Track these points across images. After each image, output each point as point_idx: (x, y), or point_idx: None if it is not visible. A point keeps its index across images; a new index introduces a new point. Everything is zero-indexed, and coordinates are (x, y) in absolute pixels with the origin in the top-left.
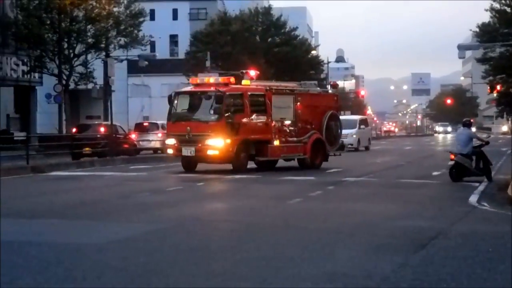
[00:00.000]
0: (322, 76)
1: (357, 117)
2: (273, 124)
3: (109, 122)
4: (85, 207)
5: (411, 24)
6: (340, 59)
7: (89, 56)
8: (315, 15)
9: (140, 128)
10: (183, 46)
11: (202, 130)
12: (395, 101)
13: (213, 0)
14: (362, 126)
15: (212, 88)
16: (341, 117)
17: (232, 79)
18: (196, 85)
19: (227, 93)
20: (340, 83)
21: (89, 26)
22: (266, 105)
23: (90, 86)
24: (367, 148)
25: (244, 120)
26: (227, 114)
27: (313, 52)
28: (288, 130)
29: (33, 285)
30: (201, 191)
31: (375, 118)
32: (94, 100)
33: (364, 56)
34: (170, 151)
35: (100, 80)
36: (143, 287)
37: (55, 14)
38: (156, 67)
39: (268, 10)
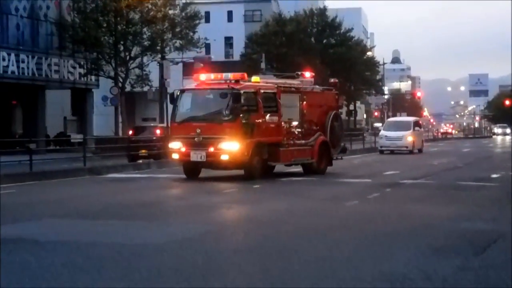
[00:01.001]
0: (378, 77)
1: (411, 119)
2: (283, 125)
3: (164, 124)
4: (143, 208)
5: (468, 24)
6: (396, 60)
7: (145, 59)
8: (370, 15)
9: None
10: (238, 48)
11: (215, 132)
12: (452, 102)
13: (268, 1)
14: (416, 128)
15: (225, 86)
16: (396, 119)
17: (245, 76)
18: (202, 82)
19: (242, 91)
20: (396, 84)
21: (145, 29)
22: (277, 104)
23: (145, 88)
24: (420, 151)
25: (259, 120)
26: (242, 114)
27: (369, 53)
28: (296, 132)
29: (92, 285)
30: (256, 192)
31: (431, 120)
32: (150, 102)
33: (421, 57)
34: (175, 156)
35: (155, 83)
36: (201, 287)
37: (112, 16)
38: (211, 69)
39: (323, 11)
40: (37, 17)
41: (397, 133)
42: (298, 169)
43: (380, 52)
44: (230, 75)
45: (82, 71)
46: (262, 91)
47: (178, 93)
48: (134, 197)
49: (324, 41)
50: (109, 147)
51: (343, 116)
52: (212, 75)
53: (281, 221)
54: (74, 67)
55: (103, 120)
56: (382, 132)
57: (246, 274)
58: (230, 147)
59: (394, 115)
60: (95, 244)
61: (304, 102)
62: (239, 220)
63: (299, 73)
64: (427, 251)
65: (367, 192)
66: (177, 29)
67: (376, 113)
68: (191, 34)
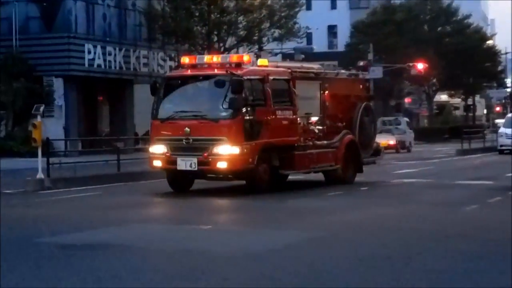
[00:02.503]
0: (500, 68)
1: None
2: (299, 122)
3: None
4: (237, 213)
5: None
6: None
7: (240, 50)
8: (491, 0)
9: None
10: (343, 38)
11: (209, 132)
12: None
13: None
14: None
15: (222, 71)
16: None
17: (247, 58)
18: (192, 67)
19: (245, 77)
20: None
21: (240, 18)
22: (291, 94)
23: None
24: None
25: (267, 116)
26: (245, 109)
27: (489, 42)
28: (316, 130)
29: None
30: (363, 195)
31: None
32: None
33: None
34: (157, 163)
35: None
36: None
37: (205, 5)
38: (313, 60)
39: None
40: (125, 7)
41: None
42: (316, 177)
43: (502, 41)
44: (228, 57)
45: (172, 64)
46: (271, 77)
47: (161, 82)
48: (228, 200)
49: (439, 29)
50: None
51: (460, 111)
52: (206, 57)
53: (390, 227)
54: (164, 60)
55: None
56: (502, 130)
57: (353, 286)
58: (229, 151)
59: None
60: (188, 251)
61: (326, 92)
62: (345, 226)
63: (411, 64)
64: None
65: (488, 196)
66: (276, 18)
67: (497, 108)
68: (291, 23)
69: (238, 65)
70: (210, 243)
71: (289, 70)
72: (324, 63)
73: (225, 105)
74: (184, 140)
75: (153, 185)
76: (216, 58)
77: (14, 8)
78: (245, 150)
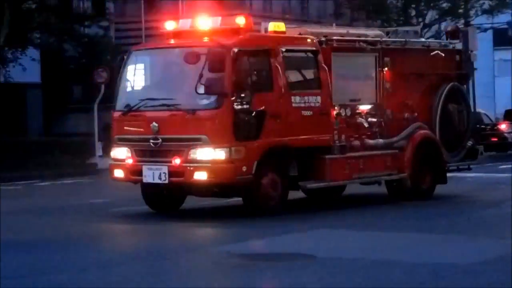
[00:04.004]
0: None
1: None
2: (335, 113)
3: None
4: (443, 218)
5: None
6: None
7: (442, 26)
8: None
9: (511, 116)
10: None
11: (184, 129)
12: None
13: None
14: None
15: (201, 42)
16: None
17: (244, 21)
18: (174, 35)
19: (236, 50)
20: None
21: None
22: (320, 74)
23: None
24: None
25: (275, 105)
26: (236, 95)
27: None
28: (365, 125)
29: None
30: None
31: None
32: None
33: None
34: (118, 173)
35: None
36: None
37: None
38: None
39: None
40: None
41: None
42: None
43: None
44: (220, 20)
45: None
46: (284, 49)
47: (127, 57)
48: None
49: None
50: None
51: None
52: (189, 21)
53: None
54: None
55: None
56: None
57: None
58: (211, 156)
59: None
60: (384, 263)
61: (386, 69)
62: None
63: None
64: None
65: None
66: None
67: None
68: None
69: (235, 32)
70: (406, 252)
71: (317, 39)
72: (398, 29)
73: (203, 89)
74: (151, 141)
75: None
76: (204, 24)
77: None
78: (237, 154)
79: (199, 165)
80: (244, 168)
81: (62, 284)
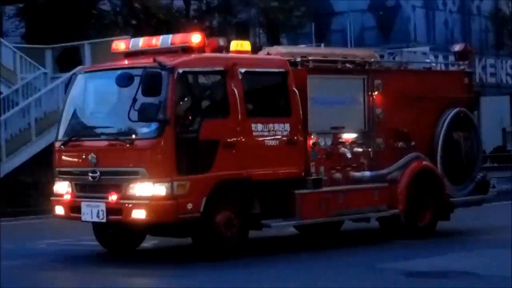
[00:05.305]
0: None
1: None
2: (311, 142)
3: None
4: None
5: None
6: None
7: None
8: None
9: None
10: None
11: (122, 161)
12: None
13: None
14: None
15: (146, 62)
16: None
17: (198, 39)
18: (127, 55)
19: (181, 70)
20: None
21: None
22: (289, 97)
23: None
24: None
25: (229, 134)
26: (179, 122)
27: None
28: (349, 155)
29: None
30: None
31: None
32: None
33: None
34: (59, 210)
35: None
36: None
37: None
38: None
39: None
40: (468, 12)
41: None
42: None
43: None
44: (170, 39)
45: None
46: (242, 70)
47: (70, 80)
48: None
49: None
50: None
51: None
52: (141, 41)
53: None
54: None
55: None
56: None
57: None
58: (150, 191)
59: None
60: None
61: (377, 93)
62: None
63: None
64: None
65: None
66: None
67: None
68: None
69: (186, 50)
70: None
71: (293, 59)
72: (395, 51)
73: (138, 116)
74: (89, 174)
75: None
76: (155, 41)
77: (349, 18)
78: (180, 190)
79: (137, 202)
80: (189, 206)
81: None
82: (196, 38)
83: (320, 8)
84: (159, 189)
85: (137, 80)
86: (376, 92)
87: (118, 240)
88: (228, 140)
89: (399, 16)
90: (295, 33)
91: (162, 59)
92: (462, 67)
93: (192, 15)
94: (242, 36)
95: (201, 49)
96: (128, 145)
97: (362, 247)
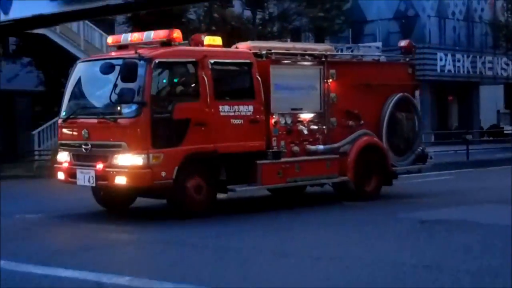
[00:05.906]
0: None
1: None
2: (273, 121)
3: None
4: None
5: None
6: None
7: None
8: None
9: None
10: None
11: (108, 136)
12: None
13: None
14: None
15: (128, 54)
16: None
17: (176, 34)
18: (118, 48)
19: (157, 60)
20: None
21: None
22: (253, 84)
23: None
24: None
25: (199, 114)
26: (155, 105)
27: None
28: (306, 132)
29: None
30: None
31: None
32: None
33: None
34: (60, 175)
35: None
36: None
37: None
38: None
39: None
40: (472, 20)
41: None
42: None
43: None
44: (152, 34)
45: None
46: (212, 61)
47: (72, 69)
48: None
49: None
50: None
51: None
52: (130, 36)
53: None
54: (507, 64)
55: None
56: None
57: None
58: (129, 162)
59: None
60: None
61: (331, 80)
62: None
63: None
64: None
65: None
66: None
67: None
68: None
69: (165, 44)
70: None
71: (259, 52)
72: (352, 46)
73: (117, 98)
74: (83, 146)
75: (499, 171)
76: (140, 36)
77: (378, 25)
78: (154, 160)
79: (119, 170)
80: (163, 173)
81: None
82: (173, 33)
83: (355, 17)
84: (137, 160)
85: (118, 69)
86: (330, 80)
87: (110, 200)
88: (198, 119)
89: (418, 23)
90: (336, 36)
91: (142, 51)
92: (407, 59)
93: (258, 22)
94: (295, 39)
95: (176, 40)
96: (112, 123)
97: (384, 201)
